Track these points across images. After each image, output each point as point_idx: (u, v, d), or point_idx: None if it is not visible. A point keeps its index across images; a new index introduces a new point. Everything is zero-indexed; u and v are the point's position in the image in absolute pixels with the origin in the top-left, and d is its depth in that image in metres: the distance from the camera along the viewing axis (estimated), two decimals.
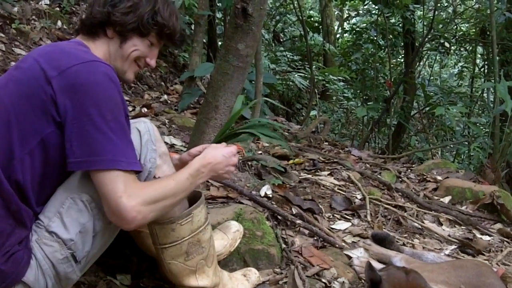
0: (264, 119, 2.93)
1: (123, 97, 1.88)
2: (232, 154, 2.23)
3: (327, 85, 10.77)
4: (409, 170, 5.76)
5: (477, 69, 9.88)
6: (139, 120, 2.05)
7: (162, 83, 6.67)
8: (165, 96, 6.27)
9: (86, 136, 1.75)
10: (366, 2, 10.17)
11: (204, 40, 7.55)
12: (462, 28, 10.64)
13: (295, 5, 9.55)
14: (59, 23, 6.21)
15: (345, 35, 13.02)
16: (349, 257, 3.04)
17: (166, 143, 3.01)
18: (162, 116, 5.29)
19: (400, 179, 5.17)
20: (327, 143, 6.84)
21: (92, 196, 1.86)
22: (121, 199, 1.75)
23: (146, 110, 5.28)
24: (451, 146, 9.13)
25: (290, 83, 10.10)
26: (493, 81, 6.65)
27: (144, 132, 2.05)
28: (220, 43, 8.00)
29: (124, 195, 1.75)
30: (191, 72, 5.93)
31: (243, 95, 2.76)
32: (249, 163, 4.05)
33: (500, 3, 7.95)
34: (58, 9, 6.47)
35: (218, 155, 2.19)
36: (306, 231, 3.28)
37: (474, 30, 10.12)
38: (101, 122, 1.75)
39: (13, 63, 4.46)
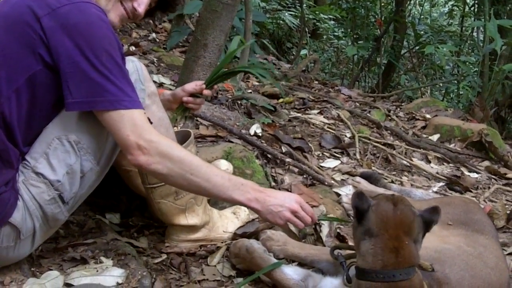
0: (260, 61, 2.89)
1: (117, 37, 1.84)
2: (297, 201, 1.96)
3: (317, 24, 10.62)
4: (399, 109, 5.78)
5: (467, 7, 9.75)
6: (127, 59, 2.01)
7: (150, 21, 6.53)
8: (154, 35, 6.17)
9: (83, 77, 1.72)
10: None
11: None
12: None
13: None
14: None
15: None
16: (338, 195, 3.07)
17: (154, 82, 2.97)
18: (151, 55, 5.23)
19: (389, 118, 5.19)
20: (317, 82, 6.81)
21: (79, 136, 1.84)
22: (129, 137, 1.76)
23: (134, 48, 5.21)
24: (441, 84, 9.13)
25: (281, 21, 9.95)
26: (483, 19, 6.59)
27: (133, 71, 2.02)
28: None
29: (132, 134, 1.76)
30: (180, 9, 5.82)
31: (239, 36, 2.70)
32: (239, 101, 4.03)
33: None
34: None
35: (280, 193, 2.02)
36: (296, 169, 3.30)
37: None
38: (97, 63, 1.73)
39: None
